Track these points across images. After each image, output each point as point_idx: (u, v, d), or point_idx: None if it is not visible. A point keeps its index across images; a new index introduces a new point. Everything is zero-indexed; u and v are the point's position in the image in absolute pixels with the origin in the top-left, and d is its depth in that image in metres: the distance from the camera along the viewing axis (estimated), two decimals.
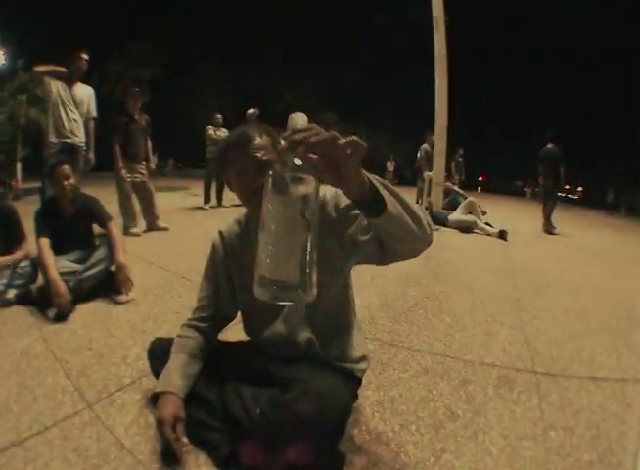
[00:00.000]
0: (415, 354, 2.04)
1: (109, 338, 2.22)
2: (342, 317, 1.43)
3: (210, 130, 7.64)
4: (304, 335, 1.37)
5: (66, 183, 2.79)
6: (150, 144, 5.26)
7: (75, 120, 4.15)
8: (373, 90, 36.04)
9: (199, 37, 32.11)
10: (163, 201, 5.66)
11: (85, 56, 4.12)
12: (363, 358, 1.42)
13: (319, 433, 1.16)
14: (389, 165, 21.99)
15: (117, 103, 4.65)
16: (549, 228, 7.17)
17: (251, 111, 7.53)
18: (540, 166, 7.23)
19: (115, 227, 2.96)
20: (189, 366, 1.43)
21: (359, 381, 1.41)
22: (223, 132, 7.64)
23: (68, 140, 4.09)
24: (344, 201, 1.20)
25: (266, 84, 32.52)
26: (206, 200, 7.68)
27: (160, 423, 1.29)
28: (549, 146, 7.24)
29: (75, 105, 4.14)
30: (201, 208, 7.53)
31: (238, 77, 31.89)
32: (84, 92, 4.31)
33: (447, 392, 1.71)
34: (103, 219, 2.93)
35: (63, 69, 4.03)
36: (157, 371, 1.51)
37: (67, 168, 2.83)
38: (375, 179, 0.87)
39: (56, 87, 4.02)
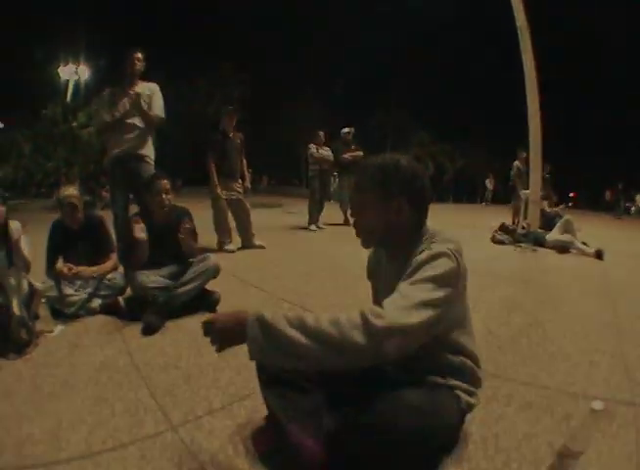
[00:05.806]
0: (519, 387, 2.04)
1: (199, 358, 2.21)
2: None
3: (313, 148, 7.50)
4: None
5: (164, 197, 2.88)
6: (245, 162, 5.48)
7: (131, 126, 3.69)
8: (467, 106, 34.95)
9: (288, 56, 33.58)
10: (258, 218, 5.81)
11: (138, 55, 3.72)
12: (471, 381, 1.39)
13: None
14: (489, 183, 23.44)
15: (212, 121, 4.78)
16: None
17: (347, 130, 7.55)
18: None
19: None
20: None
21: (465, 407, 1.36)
22: (325, 150, 7.56)
23: (123, 148, 3.68)
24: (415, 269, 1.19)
25: (357, 102, 33.22)
26: (313, 220, 7.50)
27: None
28: None
29: (134, 108, 3.64)
30: (306, 228, 7.43)
31: (327, 95, 32.98)
32: (144, 91, 3.73)
33: (550, 427, 1.71)
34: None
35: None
36: (266, 384, 1.43)
37: (165, 182, 2.92)
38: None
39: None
